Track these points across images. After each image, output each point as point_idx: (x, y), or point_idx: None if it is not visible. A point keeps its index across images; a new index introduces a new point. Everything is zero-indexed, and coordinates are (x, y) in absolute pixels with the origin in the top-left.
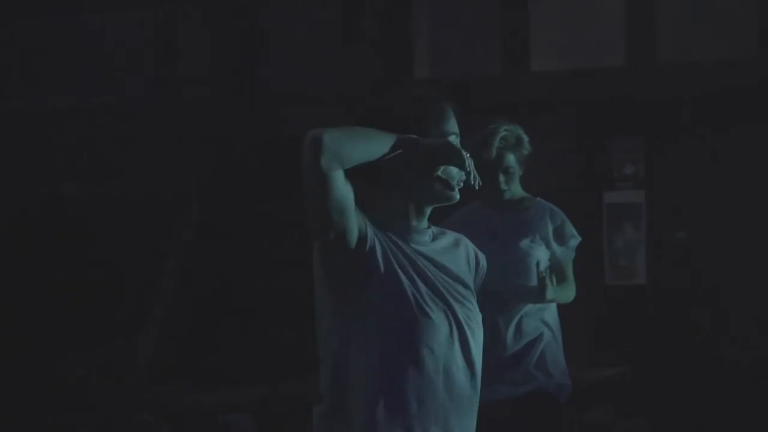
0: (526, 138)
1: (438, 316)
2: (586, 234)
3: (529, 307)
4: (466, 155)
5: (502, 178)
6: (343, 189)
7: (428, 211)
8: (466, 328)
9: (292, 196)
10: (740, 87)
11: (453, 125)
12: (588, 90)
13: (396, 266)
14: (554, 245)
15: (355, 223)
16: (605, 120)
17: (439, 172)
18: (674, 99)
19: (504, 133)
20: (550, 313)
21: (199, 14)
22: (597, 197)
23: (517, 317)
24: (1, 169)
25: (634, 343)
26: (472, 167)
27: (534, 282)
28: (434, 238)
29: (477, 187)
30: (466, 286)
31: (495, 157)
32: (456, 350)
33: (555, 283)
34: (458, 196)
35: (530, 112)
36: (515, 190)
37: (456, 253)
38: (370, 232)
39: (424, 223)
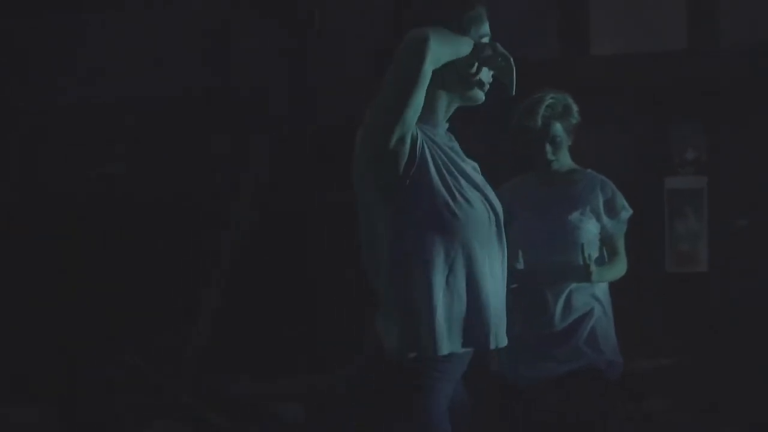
0: (575, 107)
1: (479, 206)
2: (646, 220)
3: (578, 282)
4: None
5: (548, 148)
6: (425, 90)
7: (453, 111)
8: (499, 214)
9: (345, 187)
10: None
11: (487, 28)
12: (648, 73)
13: (437, 160)
14: (605, 218)
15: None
16: (666, 104)
17: (479, 74)
18: (737, 82)
19: (550, 101)
20: (601, 287)
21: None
22: (658, 183)
23: (566, 291)
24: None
25: (694, 332)
26: (514, 72)
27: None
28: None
29: (512, 94)
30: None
31: (541, 126)
32: (494, 236)
33: (606, 258)
34: (484, 97)
35: (589, 96)
36: (563, 160)
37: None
38: (419, 132)
39: (447, 122)
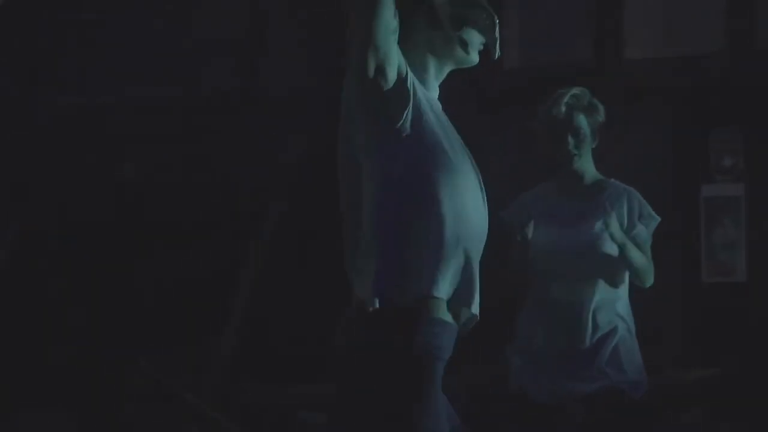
0: (601, 106)
1: (467, 165)
2: (682, 229)
3: (602, 299)
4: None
5: (571, 140)
6: (392, 9)
7: (446, 72)
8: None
9: None
10: None
11: None
12: (685, 78)
13: (428, 112)
14: (631, 228)
15: (397, 52)
16: (703, 109)
17: (462, 34)
18: None
19: (576, 91)
20: (623, 304)
21: None
22: (694, 190)
23: (591, 308)
24: (88, 158)
25: (732, 343)
26: (497, 30)
27: (607, 268)
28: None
29: (495, 57)
30: None
31: (564, 115)
32: (479, 194)
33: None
34: (477, 59)
35: (624, 102)
36: (586, 163)
37: None
38: (410, 72)
39: (438, 83)
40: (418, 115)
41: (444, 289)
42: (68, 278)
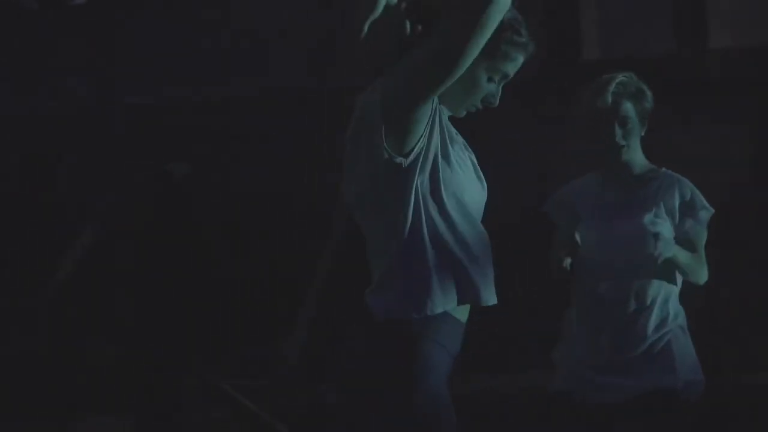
0: (649, 92)
1: (465, 162)
2: (758, 224)
3: (652, 296)
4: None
5: (618, 130)
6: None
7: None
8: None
9: None
10: None
11: (513, 70)
12: None
13: (442, 128)
14: (682, 220)
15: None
16: None
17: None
18: None
19: (622, 78)
20: (675, 302)
21: None
22: None
23: (640, 307)
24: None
25: None
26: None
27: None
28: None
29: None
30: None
31: (610, 104)
32: (476, 184)
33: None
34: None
35: (706, 93)
36: (635, 154)
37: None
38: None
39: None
40: (432, 132)
41: (448, 302)
42: (130, 279)
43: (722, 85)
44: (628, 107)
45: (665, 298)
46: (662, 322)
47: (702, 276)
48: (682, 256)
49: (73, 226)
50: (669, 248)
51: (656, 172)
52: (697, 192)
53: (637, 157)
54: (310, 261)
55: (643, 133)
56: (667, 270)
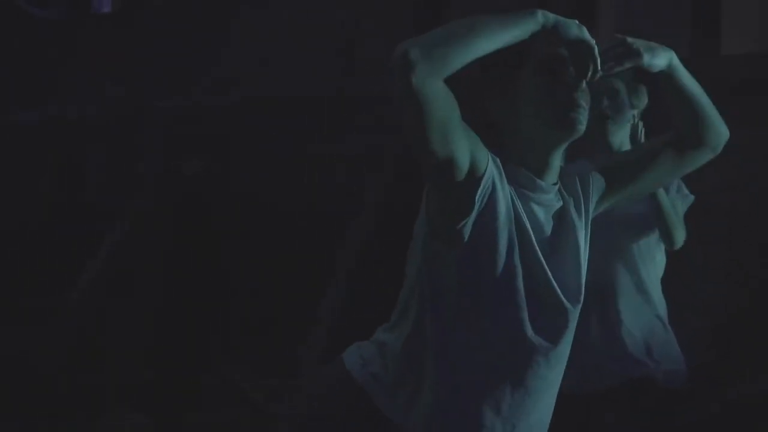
0: (645, 92)
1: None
2: None
3: (631, 286)
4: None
5: (606, 101)
6: (444, 106)
7: (555, 155)
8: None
9: None
10: None
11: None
12: None
13: (506, 227)
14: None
15: (466, 150)
16: None
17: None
18: None
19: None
20: (656, 294)
21: None
22: None
23: (618, 296)
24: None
25: None
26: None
27: (640, 239)
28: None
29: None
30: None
31: (603, 79)
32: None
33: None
34: (581, 126)
35: (720, 98)
36: (623, 141)
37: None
38: (491, 171)
39: (551, 175)
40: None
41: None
42: (154, 279)
43: (736, 90)
44: (620, 85)
45: (648, 287)
46: (643, 310)
47: (680, 236)
48: (665, 199)
49: (101, 227)
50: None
51: None
52: (681, 181)
53: (625, 143)
54: (320, 263)
55: (631, 122)
56: (653, 250)
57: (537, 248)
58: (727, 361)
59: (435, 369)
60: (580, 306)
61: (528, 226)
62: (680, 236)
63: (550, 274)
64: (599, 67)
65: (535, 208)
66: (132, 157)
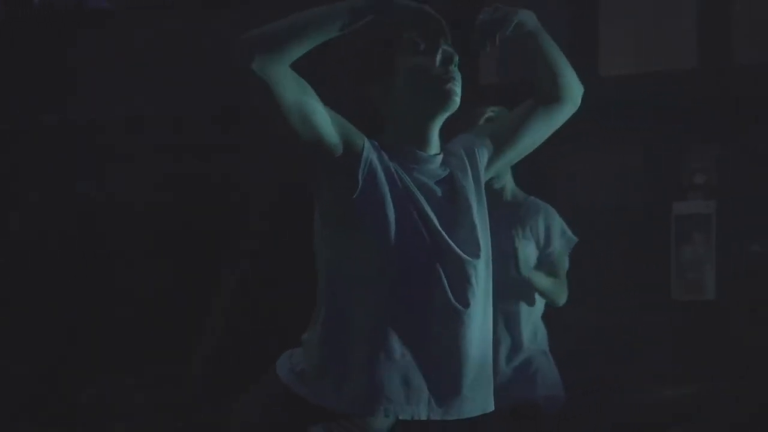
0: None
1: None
2: (653, 246)
3: (510, 315)
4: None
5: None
6: (292, 89)
7: (434, 128)
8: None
9: None
10: None
11: (445, 43)
12: (658, 94)
13: (394, 199)
14: (546, 245)
15: (333, 130)
16: (676, 126)
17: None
18: (748, 103)
19: (490, 114)
20: (537, 322)
21: None
22: (666, 207)
23: (502, 326)
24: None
25: (702, 361)
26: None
27: (522, 287)
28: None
29: (481, 49)
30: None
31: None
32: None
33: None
34: (457, 97)
35: (598, 118)
36: (507, 183)
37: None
38: (369, 151)
39: (432, 147)
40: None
41: (343, 404)
42: (35, 291)
43: (611, 111)
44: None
45: (527, 319)
46: (526, 340)
47: (561, 299)
48: (542, 280)
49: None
50: (527, 268)
51: (525, 199)
52: (562, 221)
53: (508, 185)
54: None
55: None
56: (528, 291)
57: (430, 213)
58: (604, 381)
59: (356, 345)
60: (481, 260)
61: (417, 195)
62: (562, 299)
63: (445, 234)
64: (479, 38)
65: (422, 178)
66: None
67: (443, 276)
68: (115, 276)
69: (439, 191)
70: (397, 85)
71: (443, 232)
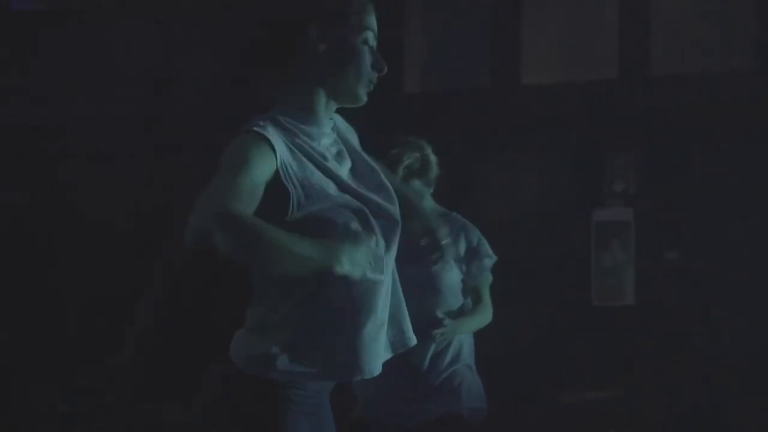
0: (433, 158)
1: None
2: (574, 253)
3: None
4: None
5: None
6: (260, 228)
7: (331, 114)
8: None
9: None
10: (734, 100)
11: (373, 21)
12: (578, 104)
13: (310, 169)
14: (469, 265)
15: (261, 188)
16: (596, 134)
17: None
18: (666, 113)
19: (407, 161)
20: (464, 339)
21: None
22: (587, 214)
23: (430, 343)
24: None
25: (622, 366)
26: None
27: (448, 305)
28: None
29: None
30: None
31: (401, 181)
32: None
33: (470, 306)
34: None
35: (519, 127)
36: (426, 203)
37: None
38: (280, 154)
39: (327, 125)
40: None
41: (304, 369)
42: None
43: (533, 121)
44: (416, 184)
45: (455, 337)
46: (453, 358)
47: (485, 322)
48: (468, 324)
49: None
50: (451, 332)
51: (447, 217)
52: (483, 240)
53: (428, 203)
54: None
55: (431, 191)
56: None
57: (343, 176)
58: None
59: (328, 320)
60: (397, 207)
61: (329, 165)
62: (488, 320)
63: (364, 190)
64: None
65: (324, 151)
66: None
67: (380, 232)
68: (45, 279)
69: (343, 159)
70: (309, 82)
71: (364, 191)
